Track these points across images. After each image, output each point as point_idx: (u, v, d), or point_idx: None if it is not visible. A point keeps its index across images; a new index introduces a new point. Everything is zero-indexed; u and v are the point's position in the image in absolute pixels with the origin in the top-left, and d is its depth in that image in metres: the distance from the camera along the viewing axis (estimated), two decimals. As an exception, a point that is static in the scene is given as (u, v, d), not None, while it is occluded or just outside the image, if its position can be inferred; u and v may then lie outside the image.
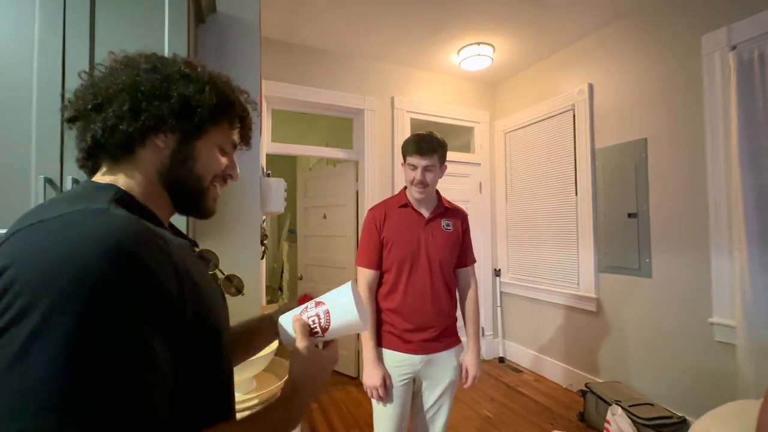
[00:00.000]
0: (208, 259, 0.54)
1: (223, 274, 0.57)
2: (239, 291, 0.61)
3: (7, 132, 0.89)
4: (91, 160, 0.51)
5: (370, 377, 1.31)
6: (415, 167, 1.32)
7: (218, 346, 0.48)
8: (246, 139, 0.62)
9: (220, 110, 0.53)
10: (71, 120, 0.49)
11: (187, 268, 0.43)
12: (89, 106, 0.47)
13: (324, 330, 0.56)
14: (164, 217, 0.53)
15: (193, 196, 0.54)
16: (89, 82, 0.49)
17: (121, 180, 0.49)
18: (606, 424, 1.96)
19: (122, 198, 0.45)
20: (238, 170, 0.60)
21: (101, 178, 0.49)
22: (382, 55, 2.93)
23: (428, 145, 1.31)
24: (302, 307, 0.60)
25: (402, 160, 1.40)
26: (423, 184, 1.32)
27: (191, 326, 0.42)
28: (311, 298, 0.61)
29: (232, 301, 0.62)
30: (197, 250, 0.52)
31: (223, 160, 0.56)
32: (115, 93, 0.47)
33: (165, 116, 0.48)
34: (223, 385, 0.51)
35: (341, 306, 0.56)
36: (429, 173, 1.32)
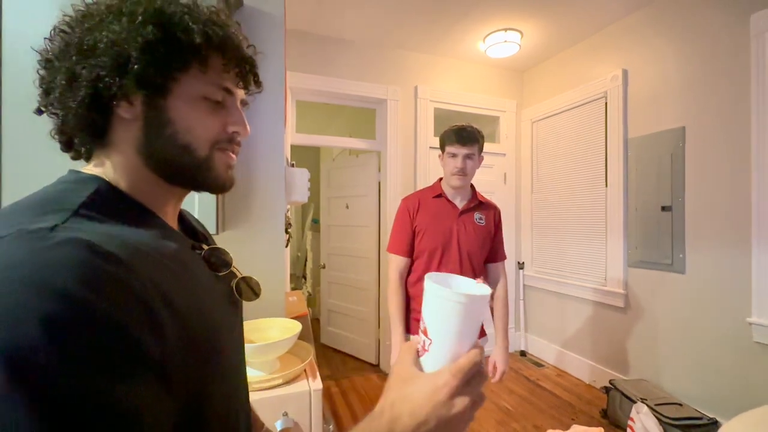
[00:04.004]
0: (216, 262, 0.45)
1: (240, 274, 0.49)
2: (256, 295, 0.54)
3: None
4: (74, 152, 0.42)
5: None
6: (455, 155, 1.36)
7: (213, 372, 0.38)
8: (244, 76, 0.43)
9: (176, 48, 0.38)
10: (39, 112, 0.40)
11: (163, 292, 0.32)
12: (40, 90, 0.39)
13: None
14: (162, 205, 0.42)
15: (188, 171, 0.41)
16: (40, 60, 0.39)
17: (108, 168, 0.40)
18: (630, 422, 1.91)
19: (97, 199, 0.35)
20: (247, 124, 0.44)
21: (90, 167, 0.41)
22: (405, 43, 2.90)
23: (468, 134, 1.36)
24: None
25: (440, 153, 1.44)
26: (463, 172, 1.36)
27: (177, 363, 0.32)
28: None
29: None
30: (205, 248, 0.46)
31: (215, 118, 0.42)
32: (53, 62, 0.37)
33: (100, 77, 0.36)
34: (228, 410, 0.41)
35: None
36: (469, 161, 1.37)
